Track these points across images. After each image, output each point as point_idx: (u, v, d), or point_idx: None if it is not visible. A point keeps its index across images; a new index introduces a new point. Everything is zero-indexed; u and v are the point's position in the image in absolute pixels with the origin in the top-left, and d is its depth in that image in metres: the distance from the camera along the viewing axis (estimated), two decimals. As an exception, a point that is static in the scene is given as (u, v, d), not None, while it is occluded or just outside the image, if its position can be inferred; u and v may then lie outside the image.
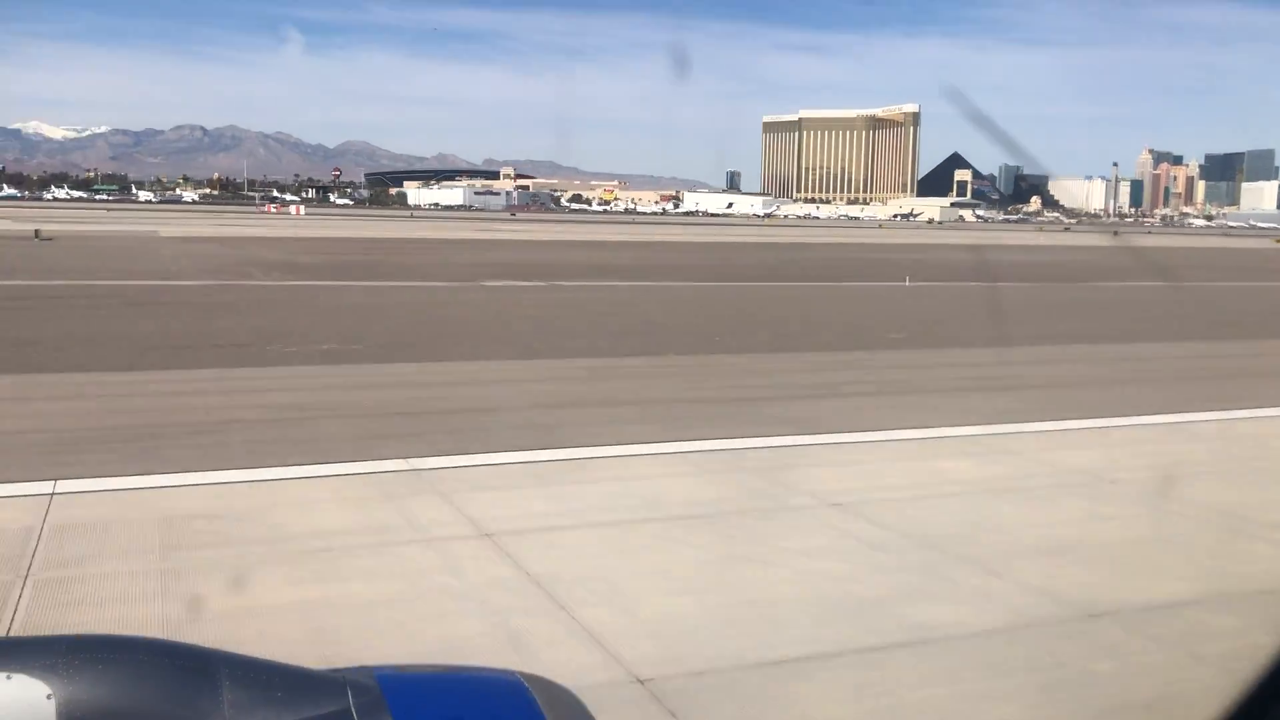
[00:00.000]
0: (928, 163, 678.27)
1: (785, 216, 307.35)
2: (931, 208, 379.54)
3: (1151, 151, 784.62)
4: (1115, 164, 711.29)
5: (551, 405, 16.15)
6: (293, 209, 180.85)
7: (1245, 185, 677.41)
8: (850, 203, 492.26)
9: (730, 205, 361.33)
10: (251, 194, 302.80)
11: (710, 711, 6.32)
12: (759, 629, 7.52)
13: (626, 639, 7.21)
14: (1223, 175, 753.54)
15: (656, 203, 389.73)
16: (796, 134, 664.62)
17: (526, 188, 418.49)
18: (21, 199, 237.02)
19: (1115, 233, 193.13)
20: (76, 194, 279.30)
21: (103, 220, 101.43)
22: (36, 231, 61.35)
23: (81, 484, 10.69)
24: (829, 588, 8.36)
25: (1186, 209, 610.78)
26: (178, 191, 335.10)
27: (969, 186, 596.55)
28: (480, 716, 2.93)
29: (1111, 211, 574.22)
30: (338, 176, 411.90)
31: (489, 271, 48.92)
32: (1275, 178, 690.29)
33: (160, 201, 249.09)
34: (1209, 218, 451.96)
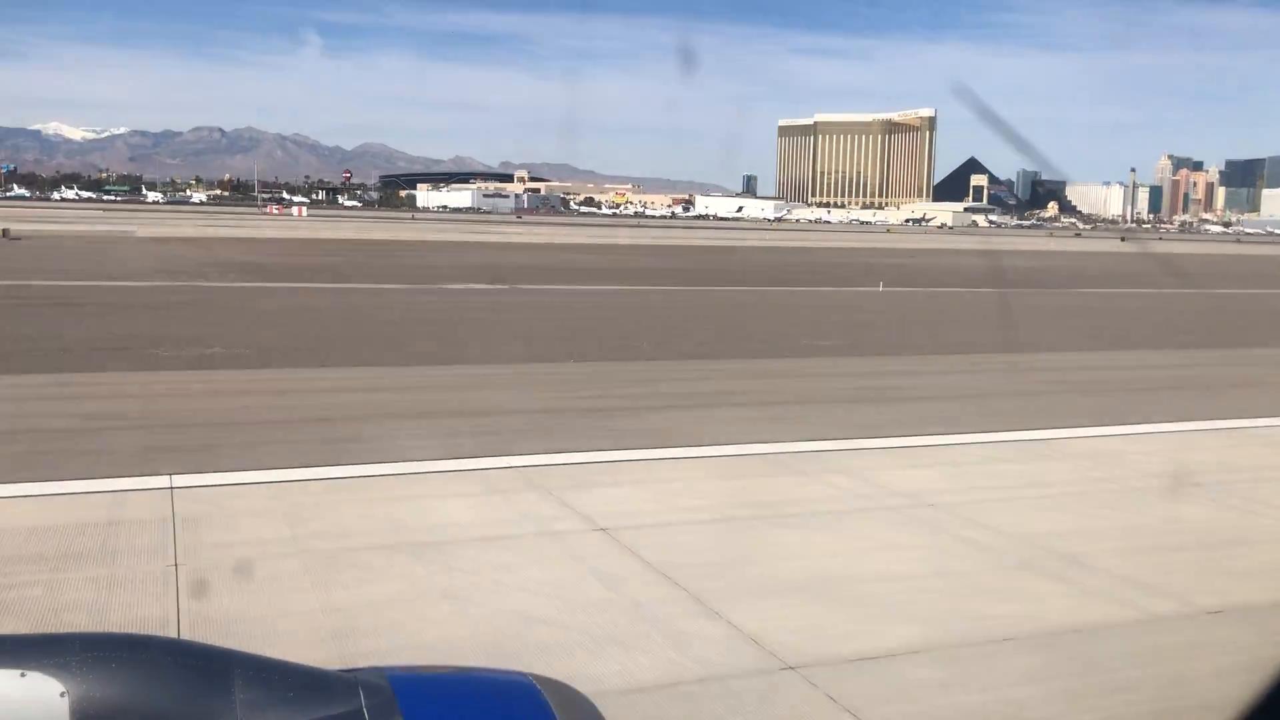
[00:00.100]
0: (944, 168, 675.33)
1: (796, 220, 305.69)
2: (944, 212, 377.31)
3: (1171, 157, 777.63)
4: (1133, 169, 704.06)
5: (377, 415, 15.23)
6: (295, 210, 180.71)
7: (1266, 191, 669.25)
8: (865, 207, 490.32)
9: (740, 209, 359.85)
10: (258, 195, 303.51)
11: None
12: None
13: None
14: (1244, 181, 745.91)
15: (668, 206, 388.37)
16: (812, 138, 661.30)
17: (538, 190, 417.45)
18: (30, 199, 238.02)
19: (1123, 238, 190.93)
20: (86, 195, 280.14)
21: (91, 220, 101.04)
22: (5, 230, 61.03)
23: None
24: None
25: (1206, 215, 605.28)
26: (187, 193, 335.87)
27: (985, 191, 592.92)
28: (492, 717, 2.94)
29: (1129, 217, 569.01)
30: (348, 178, 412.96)
31: (458, 274, 48.18)
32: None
33: (168, 202, 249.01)
34: (1226, 224, 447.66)
